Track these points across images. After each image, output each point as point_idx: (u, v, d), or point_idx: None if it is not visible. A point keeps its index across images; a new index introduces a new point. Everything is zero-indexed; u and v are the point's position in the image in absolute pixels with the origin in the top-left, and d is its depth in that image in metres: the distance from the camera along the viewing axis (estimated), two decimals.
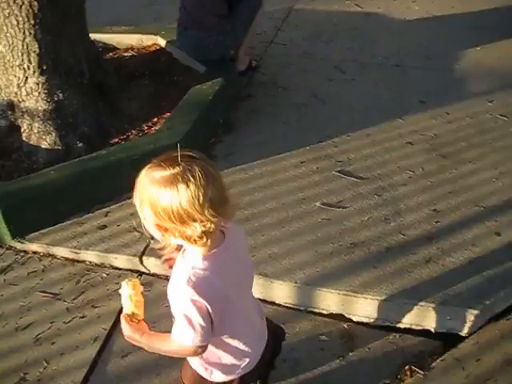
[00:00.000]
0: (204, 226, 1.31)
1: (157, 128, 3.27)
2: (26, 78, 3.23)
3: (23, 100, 3.29)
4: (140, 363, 2.23)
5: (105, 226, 2.80)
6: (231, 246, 1.46)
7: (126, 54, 4.24)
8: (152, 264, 2.59)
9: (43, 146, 3.22)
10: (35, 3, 3.02)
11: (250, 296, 1.69)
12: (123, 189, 2.88)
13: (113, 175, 2.92)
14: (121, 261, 2.63)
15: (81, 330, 2.40)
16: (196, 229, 1.31)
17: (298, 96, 3.83)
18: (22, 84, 3.25)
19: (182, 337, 1.44)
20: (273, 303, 2.47)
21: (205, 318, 1.40)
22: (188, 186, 1.26)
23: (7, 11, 3.08)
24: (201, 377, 1.66)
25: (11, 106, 3.40)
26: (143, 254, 2.60)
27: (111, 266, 2.66)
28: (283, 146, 3.29)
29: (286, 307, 2.45)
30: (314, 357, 2.23)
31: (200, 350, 1.49)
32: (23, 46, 3.16)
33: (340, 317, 2.40)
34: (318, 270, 2.46)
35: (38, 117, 3.24)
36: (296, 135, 3.42)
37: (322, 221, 2.73)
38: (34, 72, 3.21)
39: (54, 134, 3.22)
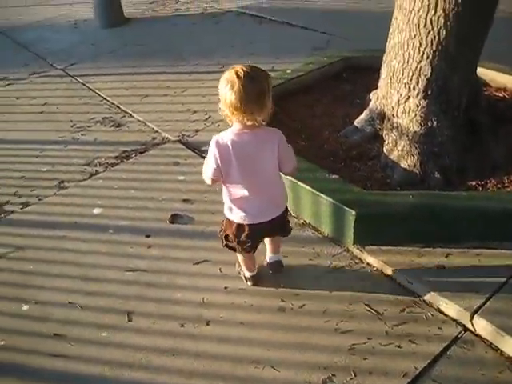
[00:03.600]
0: (227, 113, 2.28)
1: None
2: (408, 97, 3.35)
3: (397, 116, 3.43)
4: None
5: (443, 267, 2.79)
6: (255, 136, 2.35)
7: (496, 94, 4.11)
8: (481, 326, 2.51)
9: (402, 165, 3.32)
10: (443, 32, 3.09)
11: (262, 182, 2.46)
12: (470, 236, 2.90)
13: (467, 219, 2.90)
14: (450, 308, 2.61)
15: (393, 358, 2.46)
16: (225, 111, 2.29)
17: None
18: (402, 101, 3.39)
19: (204, 166, 2.48)
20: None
21: (215, 161, 2.36)
22: (225, 88, 2.22)
23: (414, 33, 3.22)
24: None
25: (382, 116, 3.59)
26: (476, 311, 2.54)
27: (438, 309, 2.65)
28: None
29: None
30: None
31: (210, 181, 2.46)
32: (416, 67, 3.27)
33: None
34: None
35: (407, 136, 3.35)
36: None
37: None
38: (418, 94, 3.31)
39: (415, 158, 3.30)
